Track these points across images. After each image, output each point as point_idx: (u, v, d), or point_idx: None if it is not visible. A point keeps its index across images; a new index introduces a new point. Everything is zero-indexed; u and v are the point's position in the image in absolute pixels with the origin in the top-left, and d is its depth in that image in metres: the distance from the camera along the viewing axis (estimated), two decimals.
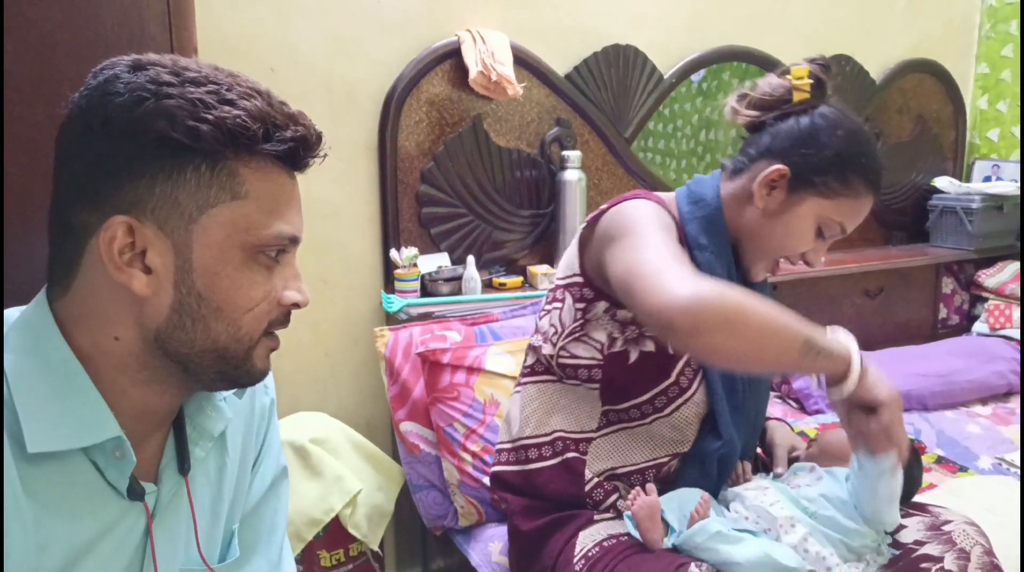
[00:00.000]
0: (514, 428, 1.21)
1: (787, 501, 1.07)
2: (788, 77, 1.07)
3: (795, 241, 1.08)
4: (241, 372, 0.67)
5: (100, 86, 0.60)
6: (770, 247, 1.09)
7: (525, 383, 1.21)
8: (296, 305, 0.68)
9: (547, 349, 1.16)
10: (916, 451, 1.24)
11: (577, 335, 1.12)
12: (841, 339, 0.92)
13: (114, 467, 0.64)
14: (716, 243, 1.10)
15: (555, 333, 1.15)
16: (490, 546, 1.44)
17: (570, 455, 1.13)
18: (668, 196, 1.15)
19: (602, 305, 1.10)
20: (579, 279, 1.12)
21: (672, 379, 1.08)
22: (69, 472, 0.62)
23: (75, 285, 0.63)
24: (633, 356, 1.09)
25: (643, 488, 1.07)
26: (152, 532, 0.68)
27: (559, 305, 1.15)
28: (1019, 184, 2.51)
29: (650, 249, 0.93)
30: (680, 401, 1.09)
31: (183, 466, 0.71)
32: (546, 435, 1.16)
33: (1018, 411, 2.10)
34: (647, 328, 1.06)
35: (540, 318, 1.20)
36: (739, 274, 1.13)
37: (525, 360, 1.23)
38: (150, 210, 0.60)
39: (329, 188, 1.79)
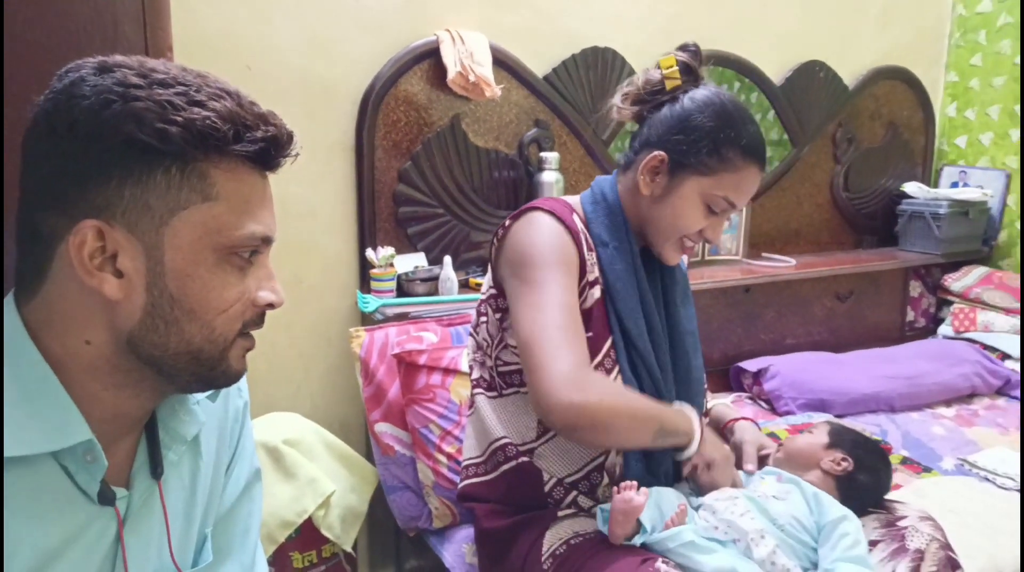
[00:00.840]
0: (481, 438, 1.23)
1: (757, 512, 1.08)
2: (659, 68, 1.13)
3: (685, 221, 1.12)
4: (217, 373, 0.67)
5: (66, 89, 0.60)
6: (665, 230, 1.14)
7: (476, 394, 1.24)
8: (271, 305, 0.67)
9: (488, 362, 1.20)
10: (885, 456, 1.26)
11: (505, 343, 1.16)
12: (687, 415, 1.09)
13: (85, 471, 0.63)
14: (618, 237, 1.15)
15: (488, 345, 1.19)
16: (464, 547, 1.44)
17: (523, 460, 1.16)
18: (574, 200, 1.20)
19: None
20: (494, 291, 1.17)
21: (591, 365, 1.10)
22: (38, 477, 0.61)
23: (43, 289, 0.62)
24: None
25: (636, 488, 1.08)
26: (123, 537, 0.67)
27: (485, 319, 1.20)
28: (983, 191, 2.57)
29: (546, 318, 1.01)
30: None
31: (155, 470, 0.70)
32: (500, 438, 1.19)
33: (981, 412, 2.15)
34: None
35: (476, 333, 1.23)
36: (650, 262, 1.18)
37: (472, 373, 1.26)
38: (120, 213, 0.60)
39: (305, 187, 1.78)
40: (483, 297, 1.20)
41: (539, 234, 1.08)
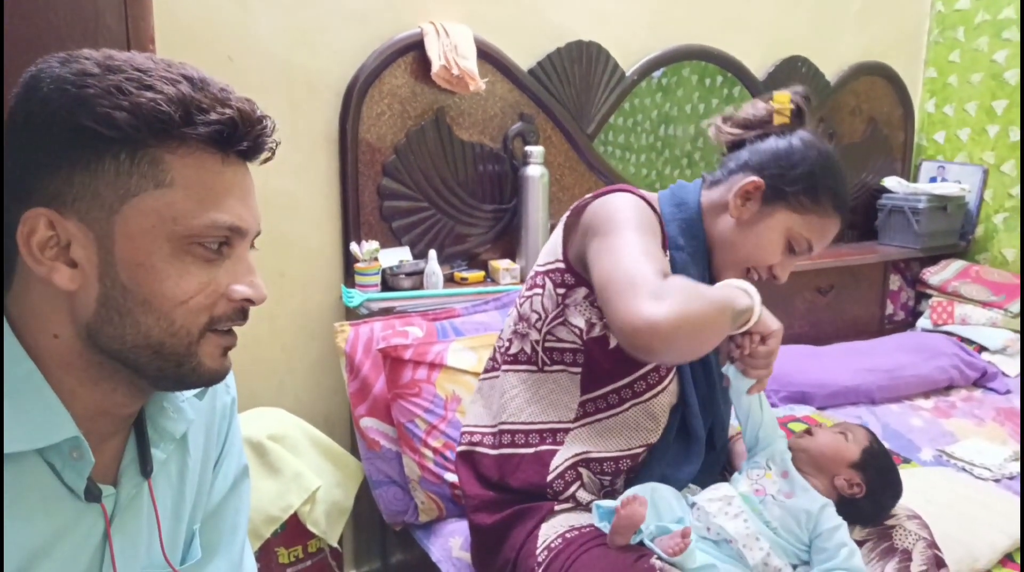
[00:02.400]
0: (495, 412, 1.22)
1: (751, 514, 1.09)
2: (771, 102, 1.15)
3: (765, 252, 1.12)
4: (186, 370, 0.64)
5: (28, 82, 0.60)
6: (740, 256, 1.13)
7: (506, 370, 1.21)
8: (248, 300, 0.65)
9: (534, 335, 1.17)
10: (898, 495, 1.20)
11: (560, 320, 1.14)
12: (744, 288, 1.03)
13: (71, 468, 0.63)
14: (693, 245, 1.14)
15: (539, 319, 1.17)
16: (451, 541, 1.44)
17: (544, 448, 1.15)
18: (651, 196, 1.19)
19: (582, 291, 1.12)
20: (561, 265, 1.14)
21: (652, 365, 1.12)
22: (23, 474, 0.61)
23: (15, 283, 0.62)
24: (613, 341, 1.11)
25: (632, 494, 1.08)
26: (110, 534, 0.66)
27: (539, 291, 1.17)
28: (961, 186, 2.60)
29: (628, 256, 0.97)
30: (659, 388, 1.13)
31: (145, 468, 0.69)
32: (524, 423, 1.17)
33: (958, 404, 2.19)
34: (620, 341, 1.05)
35: (520, 305, 1.21)
36: (711, 280, 1.17)
37: (508, 348, 1.22)
38: (71, 202, 0.59)
39: (288, 180, 1.76)
40: (541, 269, 1.17)
41: (627, 206, 1.07)
